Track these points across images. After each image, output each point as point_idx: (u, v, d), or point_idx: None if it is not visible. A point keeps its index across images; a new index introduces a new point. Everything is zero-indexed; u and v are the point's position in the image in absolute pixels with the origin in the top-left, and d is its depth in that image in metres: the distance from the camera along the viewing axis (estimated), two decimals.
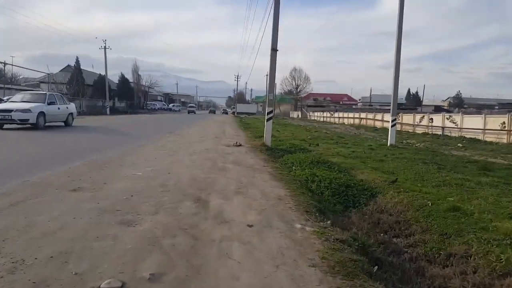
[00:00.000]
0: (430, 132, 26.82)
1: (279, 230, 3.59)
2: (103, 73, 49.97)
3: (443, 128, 25.76)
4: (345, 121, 45.73)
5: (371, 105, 77.67)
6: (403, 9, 15.25)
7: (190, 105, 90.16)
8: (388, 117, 34.79)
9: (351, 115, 46.14)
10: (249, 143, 13.88)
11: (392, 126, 16.25)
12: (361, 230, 4.65)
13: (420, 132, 28.18)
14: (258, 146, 12.68)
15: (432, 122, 26.91)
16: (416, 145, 18.11)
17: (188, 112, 70.39)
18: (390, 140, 16.03)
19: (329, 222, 4.20)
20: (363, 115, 41.87)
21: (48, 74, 37.27)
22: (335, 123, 45.09)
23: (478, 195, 6.41)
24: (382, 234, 4.70)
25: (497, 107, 68.23)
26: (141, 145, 10.98)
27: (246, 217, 3.95)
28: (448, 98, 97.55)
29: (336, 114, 50.63)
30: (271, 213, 4.22)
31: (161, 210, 3.95)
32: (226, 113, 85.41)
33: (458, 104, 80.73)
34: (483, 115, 22.77)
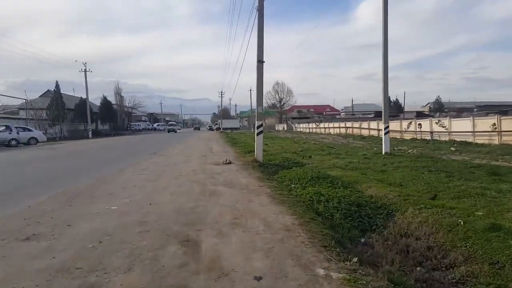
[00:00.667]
0: (418, 138, 26.53)
1: (298, 282, 2.65)
2: (85, 96, 48.57)
3: (431, 132, 25.58)
4: (331, 131, 45.32)
5: (353, 114, 77.99)
6: (387, 20, 14.87)
7: (170, 122, 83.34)
8: (374, 125, 34.92)
9: (336, 124, 45.77)
10: (239, 159, 12.95)
11: (385, 134, 15.56)
12: (392, 264, 3.75)
13: (408, 138, 27.85)
14: (249, 162, 11.76)
15: (420, 127, 26.58)
16: (409, 151, 17.50)
17: (168, 131, 63.24)
18: (385, 148, 15.33)
19: (355, 259, 3.28)
20: (348, 124, 41.51)
21: (26, 100, 35.73)
22: (321, 134, 44.58)
23: (507, 207, 5.61)
24: (418, 268, 3.80)
25: (475, 110, 69.15)
26: (121, 169, 9.91)
27: (251, 264, 3.00)
28: (427, 103, 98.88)
29: (321, 125, 50.18)
30: (281, 253, 3.28)
31: (137, 264, 2.96)
32: (212, 129, 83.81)
33: (439, 108, 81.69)
34: (471, 118, 22.66)
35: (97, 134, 51.63)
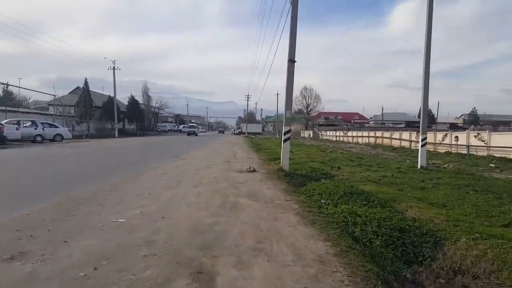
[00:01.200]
0: (453, 151, 25.12)
1: None
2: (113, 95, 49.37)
3: (468, 146, 24.23)
4: (359, 140, 43.98)
5: (383, 123, 75.94)
6: (431, 25, 13.87)
7: (190, 124, 78.91)
8: (406, 135, 33.48)
9: (365, 133, 44.36)
10: (263, 167, 12.29)
11: (422, 146, 14.49)
12: None
13: (442, 151, 26.42)
14: (274, 171, 11.08)
15: (457, 140, 25.10)
16: (445, 166, 16.34)
17: (188, 134, 58.65)
18: (421, 161, 14.28)
19: None
20: (378, 133, 40.06)
21: (54, 96, 36.51)
22: (349, 143, 43.29)
23: None
24: None
25: None
26: (138, 172, 9.45)
27: None
28: (462, 115, 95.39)
29: (349, 133, 48.82)
30: None
31: None
32: (235, 133, 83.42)
33: (474, 121, 78.37)
34: None
35: (123, 133, 52.33)
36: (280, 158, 15.36)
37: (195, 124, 74.32)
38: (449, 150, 26.02)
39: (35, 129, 23.31)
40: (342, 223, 5.13)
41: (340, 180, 10.65)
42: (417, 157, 14.64)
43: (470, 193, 8.30)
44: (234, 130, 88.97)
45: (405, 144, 32.53)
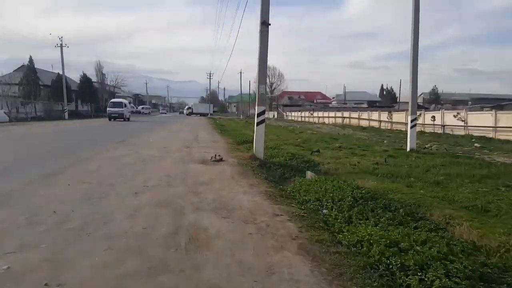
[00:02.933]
0: (427, 131, 24.13)
1: None
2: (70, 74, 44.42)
3: (443, 126, 23.45)
4: (326, 120, 42.62)
5: (345, 102, 75.49)
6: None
7: (114, 100, 40.62)
8: (375, 115, 32.27)
9: (331, 114, 43.02)
10: (232, 154, 9.96)
11: (412, 128, 12.76)
12: None
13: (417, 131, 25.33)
14: (246, 159, 8.82)
15: (434, 120, 24.09)
16: (426, 146, 14.93)
17: (110, 118, 34.73)
18: (410, 144, 12.60)
19: None
20: (346, 114, 38.75)
21: None
22: (315, 123, 41.81)
23: None
24: None
25: (470, 102, 67.56)
26: (56, 170, 6.78)
27: None
28: (421, 94, 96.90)
29: (315, 114, 47.36)
30: None
31: None
32: (183, 113, 79.48)
33: (434, 99, 79.74)
34: (493, 112, 20.70)
35: (76, 115, 47.66)
36: (250, 142, 13.10)
37: (122, 101, 39.91)
38: (423, 130, 25.02)
39: None
40: (384, 270, 2.96)
41: (328, 170, 8.65)
42: (391, 136, 13.00)
43: (502, 190, 6.48)
44: (184, 111, 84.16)
45: (374, 124, 31.38)
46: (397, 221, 4.30)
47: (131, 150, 9.71)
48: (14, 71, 41.78)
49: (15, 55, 41.75)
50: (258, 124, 8.99)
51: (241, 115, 69.53)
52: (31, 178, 5.89)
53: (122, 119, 34.29)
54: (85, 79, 51.81)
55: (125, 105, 36.93)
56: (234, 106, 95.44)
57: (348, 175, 7.81)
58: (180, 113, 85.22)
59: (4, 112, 23.88)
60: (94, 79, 56.51)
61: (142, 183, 5.75)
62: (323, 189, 5.64)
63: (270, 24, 8.87)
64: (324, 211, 4.67)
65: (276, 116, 64.49)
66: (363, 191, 5.49)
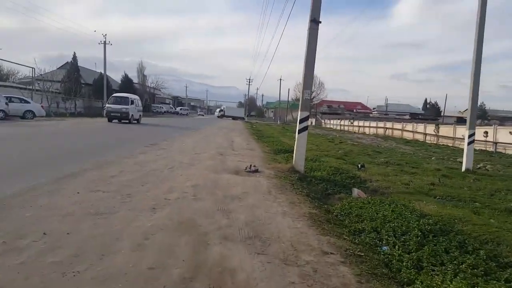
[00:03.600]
0: (476, 148, 22.05)
1: None
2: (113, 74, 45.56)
3: (495, 143, 21.42)
4: (366, 130, 40.82)
5: (387, 114, 72.71)
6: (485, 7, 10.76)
7: (115, 95, 28.21)
8: (421, 128, 30.22)
9: (373, 124, 41.11)
10: (269, 164, 9.10)
11: (469, 144, 11.36)
12: None
13: (463, 147, 23.29)
14: (284, 172, 7.95)
15: (486, 136, 22.02)
16: (486, 168, 13.40)
17: (110, 118, 25.90)
18: (467, 163, 11.23)
19: None
20: (388, 124, 36.78)
21: (33, 69, 32.81)
22: (355, 132, 40.15)
23: None
24: None
25: None
26: (74, 172, 6.23)
27: None
28: (466, 109, 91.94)
29: (355, 123, 45.56)
30: None
31: None
32: (219, 116, 75.20)
33: (481, 115, 75.03)
34: None
35: None
36: (288, 151, 12.22)
37: (128, 96, 27.39)
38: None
39: None
40: None
41: (377, 188, 7.65)
42: (438, 152, 11.61)
43: None
44: (216, 113, 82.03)
45: (419, 137, 29.43)
46: (481, 269, 3.27)
47: (159, 155, 9.07)
48: (58, 68, 43.25)
49: (64, 53, 43.13)
50: (300, 131, 8.11)
51: (278, 121, 68.63)
52: (39, 181, 5.30)
53: (127, 121, 25.09)
54: (126, 79, 53.06)
55: (132, 102, 26.22)
56: (272, 111, 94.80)
57: (402, 196, 6.79)
58: (218, 116, 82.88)
59: (42, 106, 24.24)
60: (135, 80, 57.89)
61: (164, 194, 5.02)
62: (380, 215, 4.66)
63: (320, 22, 8.00)
64: (385, 248, 3.70)
65: (314, 123, 63.00)
66: (430, 221, 4.46)
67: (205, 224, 3.86)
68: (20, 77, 53.28)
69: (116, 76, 55.23)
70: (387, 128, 36.30)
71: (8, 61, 36.55)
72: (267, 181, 6.78)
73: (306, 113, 8.14)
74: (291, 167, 8.21)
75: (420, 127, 29.98)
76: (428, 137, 28.28)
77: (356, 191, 7.17)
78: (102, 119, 32.65)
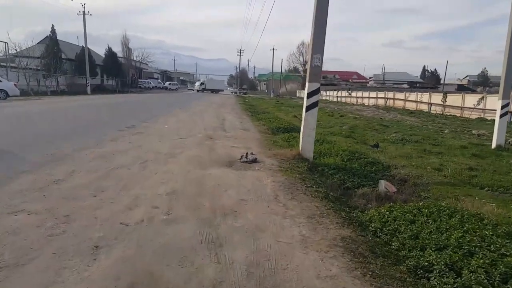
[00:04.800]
0: (488, 117, 20.47)
1: None
2: (98, 49, 42.51)
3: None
4: (365, 101, 39.03)
5: (384, 83, 70.74)
6: None
7: None
8: (425, 97, 28.43)
9: (372, 94, 39.28)
10: (269, 150, 7.38)
11: (501, 116, 9.72)
12: None
13: (474, 117, 21.78)
14: (288, 159, 6.27)
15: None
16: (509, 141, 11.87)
17: None
18: (499, 138, 9.63)
19: None
20: (389, 94, 35.01)
21: (5, 43, 30.10)
22: (353, 104, 38.41)
23: None
24: None
25: None
26: (5, 174, 4.49)
27: None
28: (466, 76, 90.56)
29: (353, 94, 43.69)
30: None
31: None
32: (200, 90, 66.75)
33: (483, 82, 73.56)
34: None
35: (101, 90, 46.38)
36: (288, 130, 10.54)
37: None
38: (482, 116, 21.46)
39: None
40: None
41: (406, 177, 6.09)
42: (447, 124, 10.01)
43: None
44: (196, 86, 73.43)
45: (423, 107, 27.76)
46: None
47: (133, 143, 7.24)
48: (38, 43, 40.25)
49: (48, 28, 40.18)
50: (308, 108, 6.35)
51: (272, 94, 66.41)
52: None
53: None
54: (110, 53, 50.05)
55: None
56: (264, 84, 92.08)
57: (443, 189, 5.21)
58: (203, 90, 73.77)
59: (14, 84, 21.97)
60: (120, 54, 54.92)
61: (122, 214, 3.30)
62: (445, 236, 3.03)
63: None
64: None
65: None
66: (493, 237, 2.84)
67: (177, 283, 2.19)
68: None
69: (101, 51, 52.19)
70: (388, 98, 34.57)
71: None
72: (271, 177, 5.07)
73: (316, 85, 6.34)
74: (297, 153, 6.50)
75: (425, 97, 28.26)
76: (433, 107, 26.67)
77: (383, 184, 5.58)
78: (84, 97, 30.44)
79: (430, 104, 27.12)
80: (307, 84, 6.38)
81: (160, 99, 31.96)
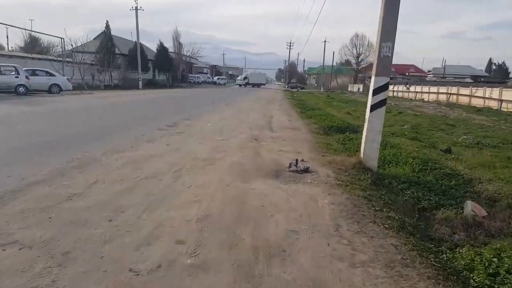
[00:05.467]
0: None
1: None
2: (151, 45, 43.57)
3: None
4: (424, 96, 36.17)
5: (444, 77, 65.78)
6: None
7: None
8: (495, 93, 25.42)
9: (433, 89, 36.29)
10: (322, 156, 6.32)
11: None
12: None
13: None
14: (348, 169, 5.22)
15: None
16: None
17: None
18: None
19: None
20: (453, 89, 32.03)
21: (62, 39, 31.36)
22: (411, 99, 35.79)
23: None
24: None
25: None
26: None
27: None
28: None
29: (411, 88, 40.77)
30: None
31: None
32: (244, 85, 65.90)
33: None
34: None
35: (152, 84, 47.40)
36: (342, 130, 9.41)
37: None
38: None
39: (16, 77, 18.26)
40: None
41: (496, 195, 4.82)
42: None
43: None
44: (237, 81, 71.35)
45: (493, 104, 24.88)
46: None
47: (170, 145, 6.53)
48: (94, 39, 41.86)
49: (110, 25, 41.63)
50: (373, 107, 5.23)
51: (321, 88, 64.30)
52: None
53: None
54: (161, 48, 50.96)
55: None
56: (314, 78, 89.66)
57: None
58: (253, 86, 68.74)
59: (67, 79, 22.59)
60: (171, 49, 55.84)
61: (136, 252, 2.50)
62: None
63: None
64: None
65: (361, 90, 58.10)
66: None
67: None
68: (60, 50, 53.07)
69: (154, 46, 53.37)
70: (450, 94, 31.66)
71: (34, 32, 35.48)
72: (328, 195, 4.06)
73: (384, 79, 5.20)
74: (357, 161, 5.41)
75: (495, 92, 25.34)
76: (504, 104, 23.81)
77: (470, 206, 4.39)
78: (135, 91, 30.94)
79: (501, 100, 24.24)
80: (373, 78, 5.25)
81: (207, 94, 31.74)
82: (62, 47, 30.88)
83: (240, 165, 5.27)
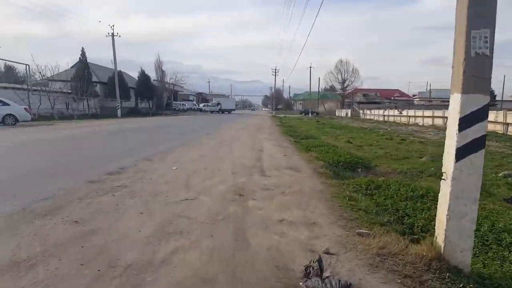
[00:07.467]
0: None
1: None
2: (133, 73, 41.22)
3: None
4: (418, 120, 34.34)
5: (431, 100, 65.06)
6: None
7: None
8: (492, 116, 23.53)
9: (427, 113, 34.50)
10: (357, 231, 3.66)
11: None
12: None
13: None
14: (416, 270, 2.56)
15: None
16: None
17: None
18: None
19: None
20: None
21: (27, 66, 28.67)
22: (405, 124, 33.88)
23: None
24: None
25: None
26: None
27: None
28: None
29: (404, 112, 39.01)
30: None
31: None
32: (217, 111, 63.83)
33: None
34: None
35: (135, 112, 44.92)
36: (359, 166, 6.89)
37: None
38: None
39: None
40: None
41: None
42: None
43: None
44: (207, 107, 67.73)
45: (498, 128, 22.93)
46: None
47: (82, 222, 3.65)
48: (71, 67, 39.42)
49: (92, 56, 39.43)
50: (462, 152, 2.69)
51: (309, 114, 62.47)
52: None
53: None
54: (142, 75, 48.86)
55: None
56: (300, 103, 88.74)
57: None
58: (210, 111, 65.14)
59: (25, 109, 19.81)
60: (155, 77, 53.76)
61: None
62: None
63: None
64: None
65: (349, 115, 56.36)
66: None
67: None
68: (38, 79, 50.25)
69: (136, 75, 51.11)
70: (447, 117, 29.73)
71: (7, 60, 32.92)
72: None
73: (480, 98, 2.69)
74: (433, 255, 2.83)
75: (500, 116, 23.45)
76: (511, 128, 21.88)
77: None
78: (108, 121, 28.09)
79: (507, 124, 22.31)
80: (458, 97, 2.74)
81: (189, 121, 29.14)
82: (27, 73, 28.08)
83: (202, 280, 2.55)
